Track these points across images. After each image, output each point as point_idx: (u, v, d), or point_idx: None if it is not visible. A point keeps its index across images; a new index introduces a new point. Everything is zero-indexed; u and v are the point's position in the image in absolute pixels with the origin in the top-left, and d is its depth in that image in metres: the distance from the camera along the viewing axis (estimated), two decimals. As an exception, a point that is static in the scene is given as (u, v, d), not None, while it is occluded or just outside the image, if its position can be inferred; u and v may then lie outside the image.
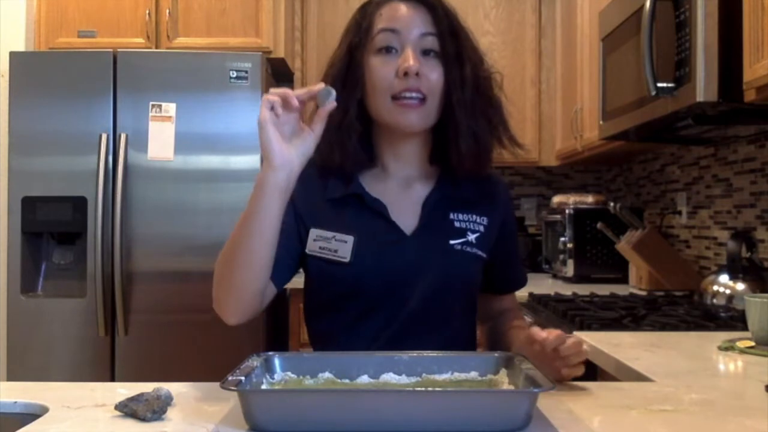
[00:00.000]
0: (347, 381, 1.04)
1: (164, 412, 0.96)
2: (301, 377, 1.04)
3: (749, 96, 1.68)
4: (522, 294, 1.73)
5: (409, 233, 1.28)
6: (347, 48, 1.29)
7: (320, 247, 1.26)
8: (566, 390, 1.11)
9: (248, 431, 0.90)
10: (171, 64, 2.87)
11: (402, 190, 1.32)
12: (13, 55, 2.89)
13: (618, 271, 3.02)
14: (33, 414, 1.02)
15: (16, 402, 1.06)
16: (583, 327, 1.81)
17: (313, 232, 1.27)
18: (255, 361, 1.02)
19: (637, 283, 2.82)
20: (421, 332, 1.26)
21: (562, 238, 3.14)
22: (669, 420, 0.97)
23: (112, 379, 2.78)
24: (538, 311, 2.26)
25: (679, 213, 2.86)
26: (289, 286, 1.79)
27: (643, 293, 2.59)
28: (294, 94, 1.10)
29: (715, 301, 2.09)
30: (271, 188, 1.11)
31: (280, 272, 1.23)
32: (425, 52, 1.25)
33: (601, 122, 2.53)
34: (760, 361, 1.41)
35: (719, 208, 2.56)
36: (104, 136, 2.80)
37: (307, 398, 0.93)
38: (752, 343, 1.52)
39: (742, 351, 1.49)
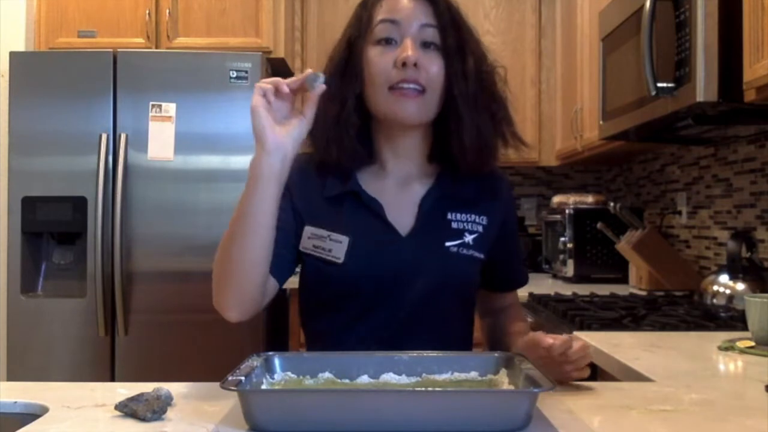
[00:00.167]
0: (347, 381, 1.04)
1: (164, 412, 0.96)
2: (301, 377, 1.04)
3: (749, 96, 1.68)
4: (522, 294, 1.72)
5: (404, 234, 1.26)
6: (347, 40, 1.28)
7: (314, 246, 1.25)
8: (566, 390, 1.11)
9: (248, 431, 0.90)
10: (171, 64, 2.87)
11: (400, 189, 1.30)
12: (13, 55, 2.89)
13: (618, 271, 3.02)
14: (33, 414, 1.01)
15: (16, 402, 1.06)
16: (583, 327, 1.81)
17: (308, 230, 1.26)
18: (255, 361, 1.02)
19: (637, 283, 2.82)
20: (417, 332, 1.25)
21: (562, 238, 3.14)
22: (669, 420, 0.97)
23: (112, 379, 2.78)
24: (538, 311, 2.26)
25: (679, 213, 2.86)
26: (288, 286, 1.78)
27: (643, 293, 2.59)
28: (285, 82, 1.11)
29: (715, 301, 2.09)
30: (265, 173, 1.11)
31: (281, 267, 1.22)
32: (425, 45, 1.23)
33: (601, 122, 2.53)
34: (760, 361, 1.41)
35: (719, 208, 2.56)
36: (104, 136, 2.80)
37: (307, 398, 0.93)
38: (752, 343, 1.52)
39: (742, 351, 1.49)
